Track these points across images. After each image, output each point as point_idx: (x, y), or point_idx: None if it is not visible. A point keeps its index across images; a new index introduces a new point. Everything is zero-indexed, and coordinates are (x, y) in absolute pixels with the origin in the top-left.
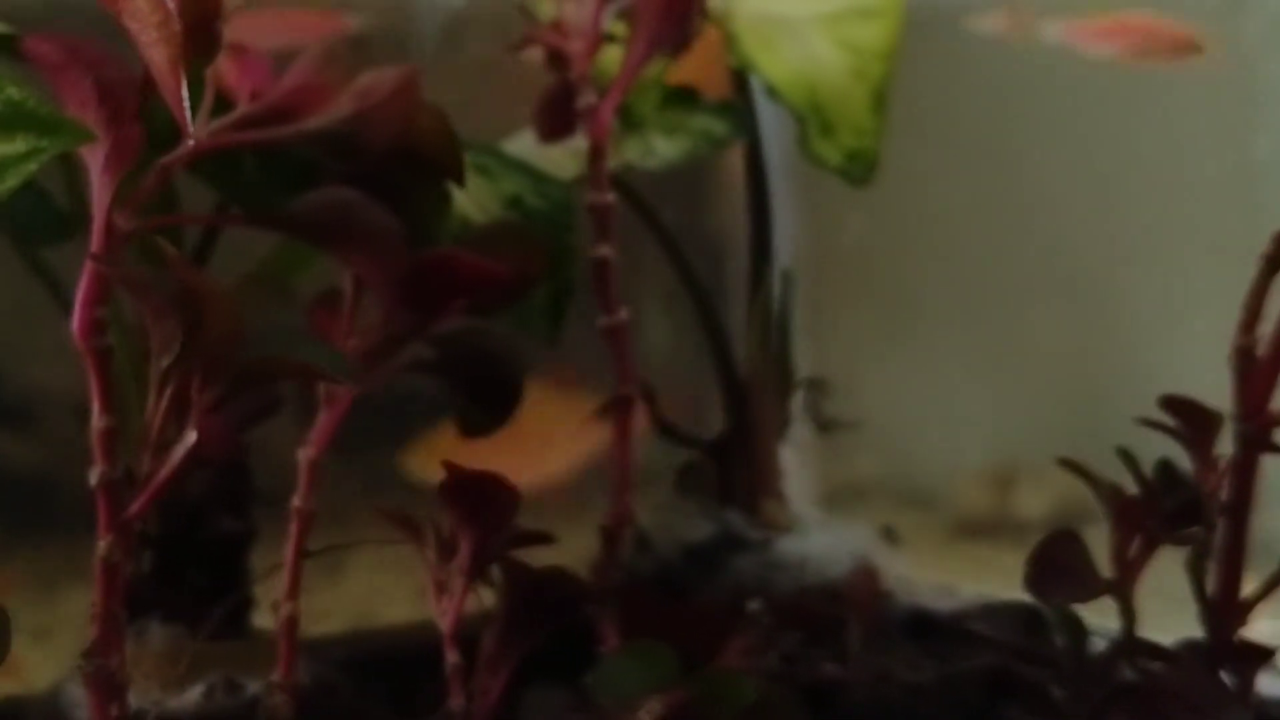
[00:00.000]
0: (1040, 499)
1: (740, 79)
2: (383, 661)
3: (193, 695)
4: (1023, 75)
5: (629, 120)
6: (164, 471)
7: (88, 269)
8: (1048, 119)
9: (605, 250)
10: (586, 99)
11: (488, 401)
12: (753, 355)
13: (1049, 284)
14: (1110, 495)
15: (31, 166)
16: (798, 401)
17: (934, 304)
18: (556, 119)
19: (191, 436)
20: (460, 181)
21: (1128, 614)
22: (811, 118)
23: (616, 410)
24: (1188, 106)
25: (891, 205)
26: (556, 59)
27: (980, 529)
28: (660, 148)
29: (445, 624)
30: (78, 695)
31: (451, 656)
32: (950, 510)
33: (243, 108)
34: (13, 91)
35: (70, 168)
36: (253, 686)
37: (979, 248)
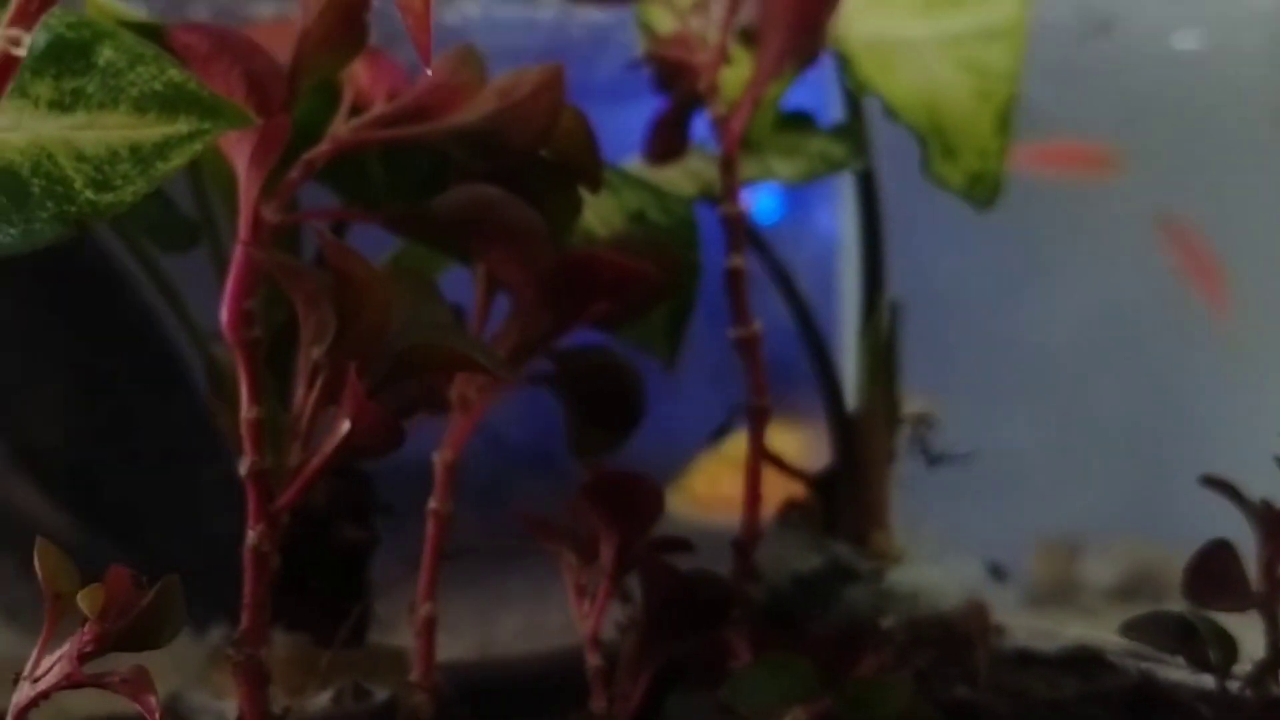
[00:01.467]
0: (1108, 569)
1: (854, 103)
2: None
3: (321, 701)
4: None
5: (746, 141)
6: (315, 462)
7: (237, 260)
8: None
9: (737, 261)
10: (716, 110)
11: (607, 419)
12: (864, 387)
13: (1113, 351)
14: (1261, 511)
15: (195, 147)
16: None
17: (1003, 363)
18: (669, 140)
19: (345, 427)
20: (595, 187)
21: (1274, 629)
22: (933, 140)
23: (750, 422)
24: (1249, 183)
25: (984, 252)
26: (679, 73)
27: (1047, 598)
28: (779, 169)
29: (586, 627)
30: (197, 702)
31: (593, 659)
32: (1015, 578)
33: (381, 106)
34: (174, 73)
35: (196, 174)
36: (380, 693)
37: (1045, 313)
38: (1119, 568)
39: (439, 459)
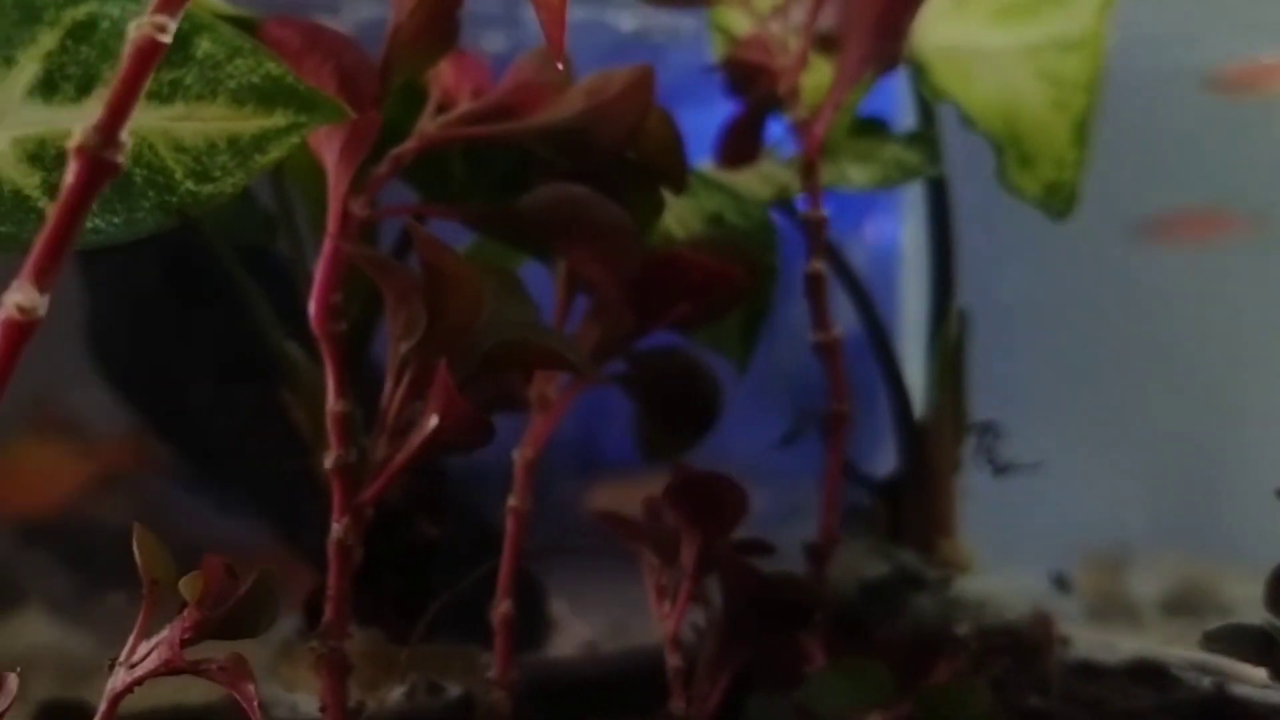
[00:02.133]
0: (1154, 583)
1: (926, 110)
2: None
3: (395, 696)
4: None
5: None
6: (401, 456)
7: (325, 254)
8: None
9: (818, 265)
10: (797, 114)
11: (681, 422)
12: (933, 394)
13: (1161, 365)
14: None
15: (293, 140)
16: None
17: (1051, 375)
18: (743, 144)
19: (433, 421)
20: (680, 189)
21: None
22: (1010, 149)
23: (829, 426)
24: None
25: (1046, 265)
26: (757, 76)
27: (1093, 612)
28: (853, 175)
29: (667, 628)
30: (267, 694)
31: (673, 660)
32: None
33: (467, 104)
34: (272, 66)
35: (277, 169)
36: (453, 690)
37: (1095, 328)
38: (1166, 582)
39: (519, 457)
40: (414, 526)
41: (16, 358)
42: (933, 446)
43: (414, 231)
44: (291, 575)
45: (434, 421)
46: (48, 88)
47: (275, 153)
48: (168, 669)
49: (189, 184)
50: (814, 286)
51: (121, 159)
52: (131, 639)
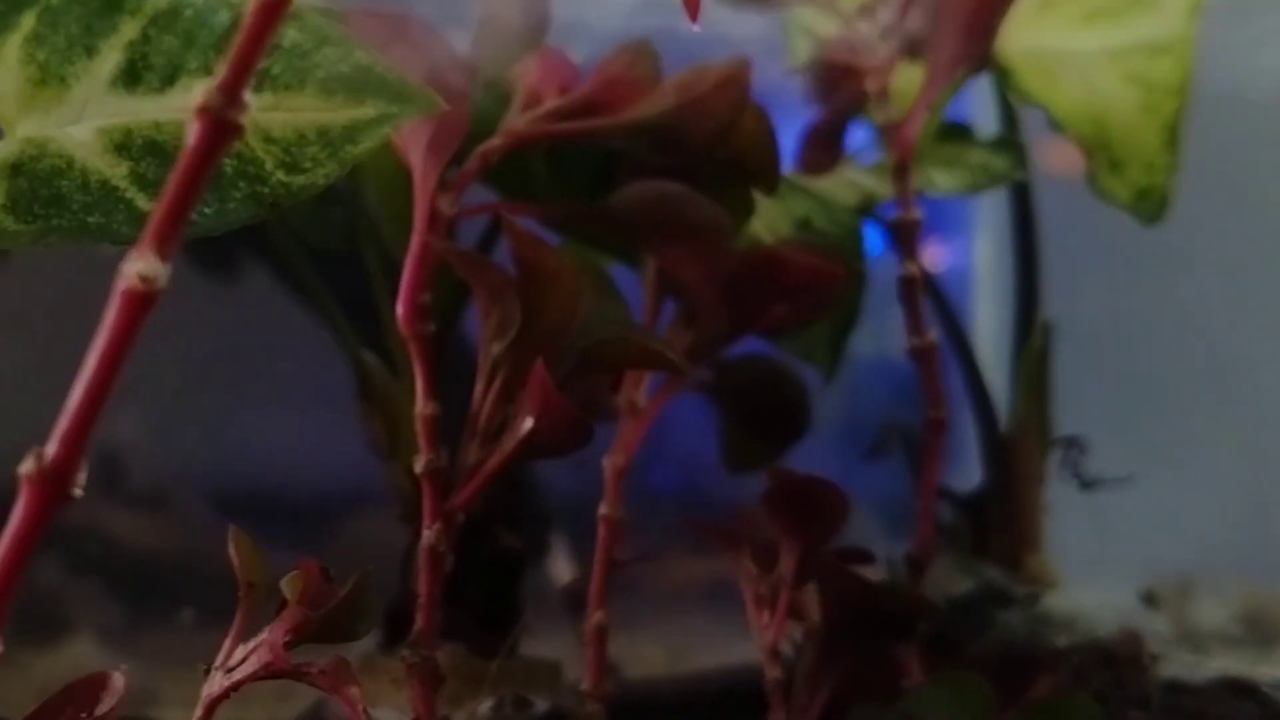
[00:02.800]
0: (1220, 610)
1: (1009, 114)
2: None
3: (482, 711)
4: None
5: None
6: (494, 460)
7: (413, 253)
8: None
9: (913, 269)
10: (888, 116)
11: (769, 431)
12: (1018, 407)
13: (1222, 393)
14: None
15: (384, 130)
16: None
17: (1129, 391)
18: (827, 149)
19: (527, 424)
20: (771, 189)
21: None
22: (1099, 153)
23: (928, 433)
24: None
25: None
26: (843, 78)
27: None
28: (939, 181)
29: (765, 639)
30: (337, 713)
31: (772, 671)
32: None
33: (555, 100)
34: (361, 56)
35: (354, 172)
36: (540, 703)
37: (1154, 356)
38: (1231, 609)
39: (609, 464)
40: (495, 537)
41: (137, 330)
42: (1018, 460)
43: (510, 227)
44: None
45: (529, 424)
46: (131, 77)
47: (366, 144)
48: (269, 672)
49: (280, 175)
50: (909, 291)
51: (245, 120)
52: (228, 643)
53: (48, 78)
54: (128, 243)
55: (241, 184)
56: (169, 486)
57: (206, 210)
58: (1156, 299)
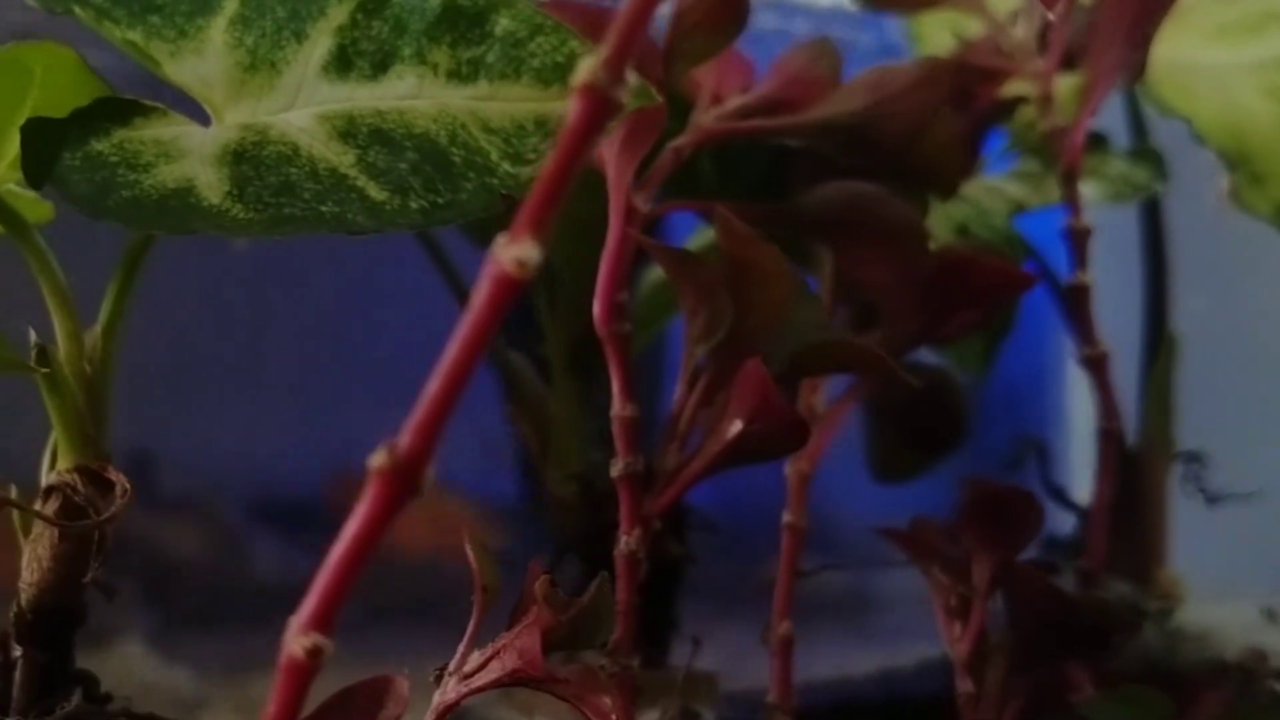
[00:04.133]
0: None
1: (1140, 125)
2: None
3: None
4: None
5: (1048, 161)
6: (698, 464)
7: (610, 251)
8: None
9: (1083, 278)
10: (1051, 122)
11: (925, 441)
12: (1148, 421)
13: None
14: None
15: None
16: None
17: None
18: (969, 155)
19: (736, 427)
20: (950, 194)
21: None
22: (1240, 167)
23: (1101, 445)
24: None
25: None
26: (989, 81)
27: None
28: (1083, 192)
29: (959, 650)
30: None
31: (964, 685)
32: None
33: (738, 98)
34: (575, 45)
35: None
36: (707, 715)
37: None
38: None
39: (793, 470)
40: (659, 545)
41: (502, 316)
42: (1146, 474)
43: (727, 224)
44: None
45: (737, 427)
46: (342, 64)
47: None
48: (513, 679)
49: (506, 166)
50: (1078, 299)
51: (626, 99)
52: (462, 648)
53: (258, 63)
54: (363, 232)
55: (471, 175)
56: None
57: (439, 200)
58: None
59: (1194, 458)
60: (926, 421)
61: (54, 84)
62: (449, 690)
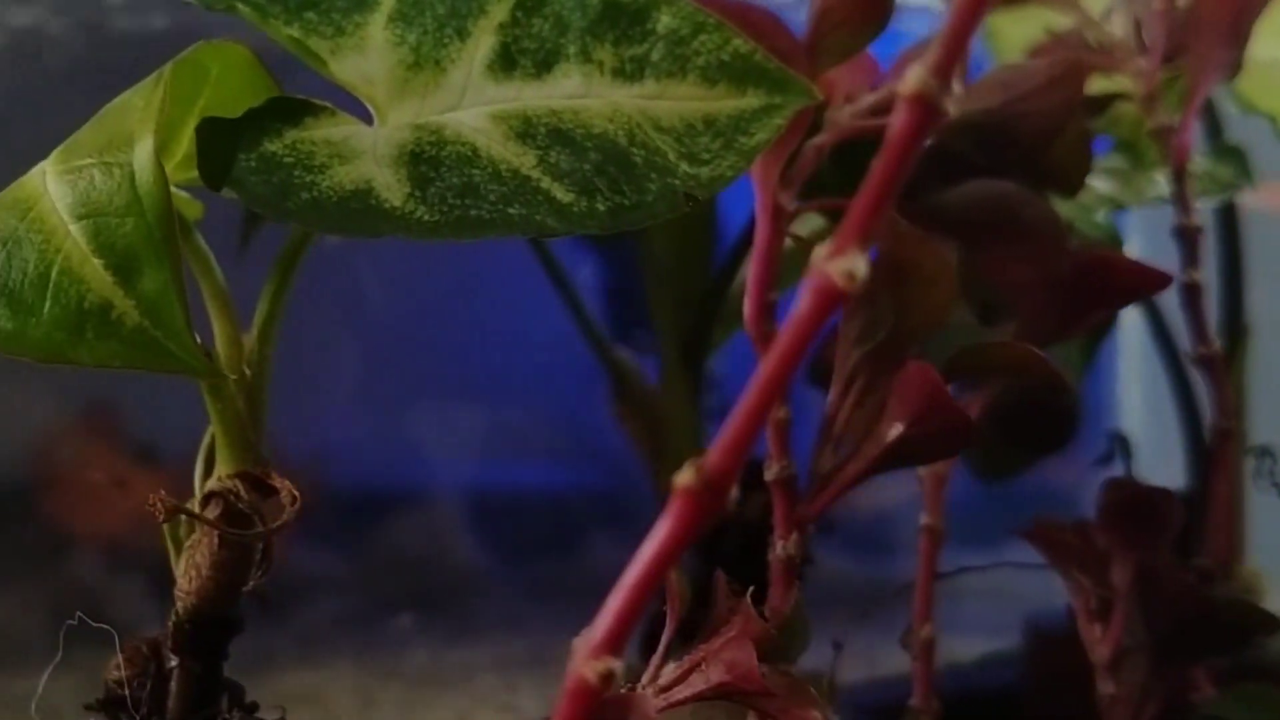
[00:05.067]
0: None
1: (1216, 122)
2: None
3: None
4: None
5: (1136, 158)
6: (854, 468)
7: (759, 250)
8: None
9: (1196, 275)
10: (1156, 120)
11: (1030, 439)
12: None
13: None
14: None
15: (775, 123)
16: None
17: None
18: (1089, 159)
19: (895, 430)
20: (1074, 194)
21: None
22: None
23: (1216, 442)
24: None
25: None
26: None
27: None
28: (1167, 188)
29: (1100, 652)
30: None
31: (1105, 687)
32: None
33: (870, 96)
34: (739, 43)
35: None
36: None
37: None
38: None
39: (929, 472)
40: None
41: (820, 328)
42: (1227, 469)
43: (892, 223)
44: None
45: (897, 430)
46: (506, 62)
47: (760, 135)
48: (723, 691)
49: (685, 166)
50: (1192, 297)
51: (951, 109)
52: (656, 660)
53: (422, 61)
54: (552, 235)
55: (654, 175)
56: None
57: (625, 201)
58: None
59: (1266, 452)
60: (1036, 421)
61: (228, 83)
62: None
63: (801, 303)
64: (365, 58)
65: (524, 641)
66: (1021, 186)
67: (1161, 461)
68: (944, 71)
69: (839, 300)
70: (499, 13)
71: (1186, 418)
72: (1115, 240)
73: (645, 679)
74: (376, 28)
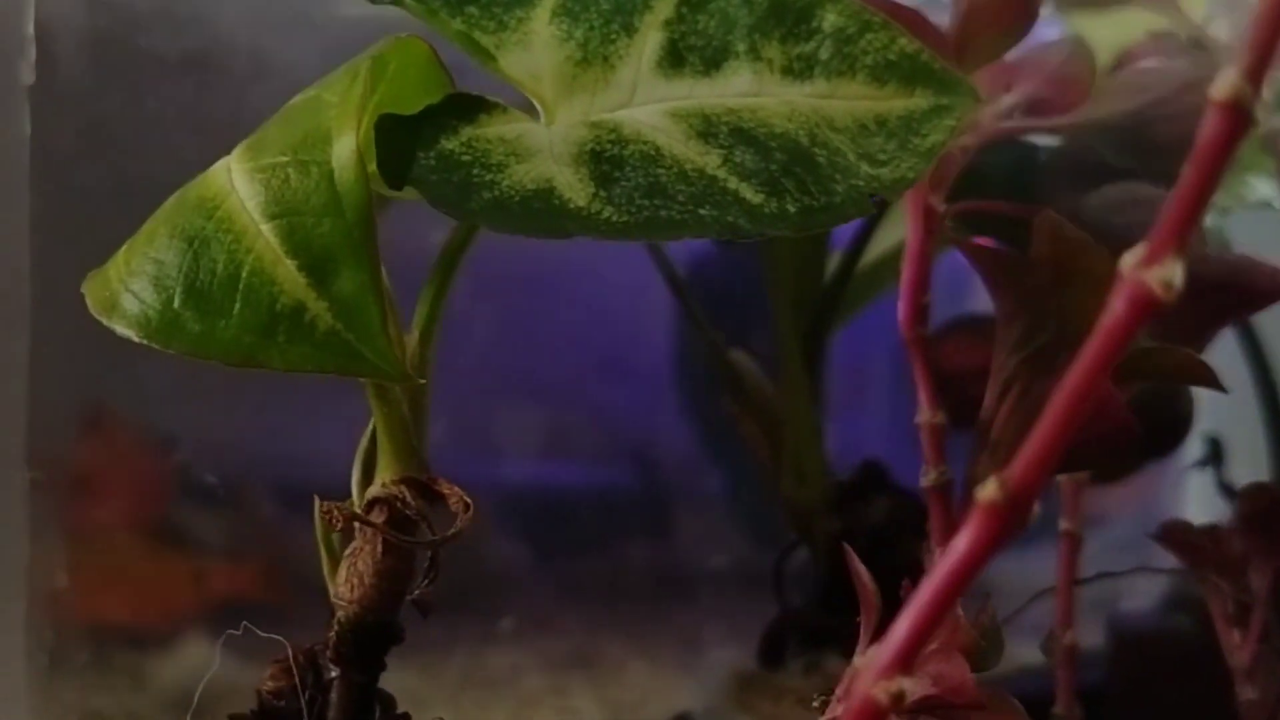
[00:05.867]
0: None
1: None
2: None
3: None
4: None
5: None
6: None
7: (912, 252)
8: None
9: None
10: (1270, 123)
11: (1146, 440)
12: None
13: None
14: None
15: (948, 123)
16: None
17: None
18: None
19: None
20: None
21: None
22: None
23: None
24: None
25: None
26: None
27: None
28: (1262, 191)
29: (1240, 658)
30: None
31: (1246, 692)
32: None
33: (1007, 97)
34: (905, 43)
35: None
36: None
37: None
38: None
39: (1066, 478)
40: (901, 548)
41: (1133, 338)
42: None
43: (1054, 227)
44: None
45: None
46: (675, 59)
47: (934, 136)
48: (928, 704)
49: (865, 167)
50: None
51: (1262, 115)
52: (849, 671)
53: (590, 57)
54: (744, 237)
55: (838, 176)
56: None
57: (814, 204)
58: None
59: None
60: (1154, 420)
61: (404, 78)
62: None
63: (1114, 311)
64: (531, 53)
65: (565, 643)
66: (1163, 189)
67: (1247, 463)
68: (1256, 76)
69: (1155, 309)
70: (664, 9)
71: (1271, 419)
72: (1225, 244)
73: (840, 690)
74: (540, 23)
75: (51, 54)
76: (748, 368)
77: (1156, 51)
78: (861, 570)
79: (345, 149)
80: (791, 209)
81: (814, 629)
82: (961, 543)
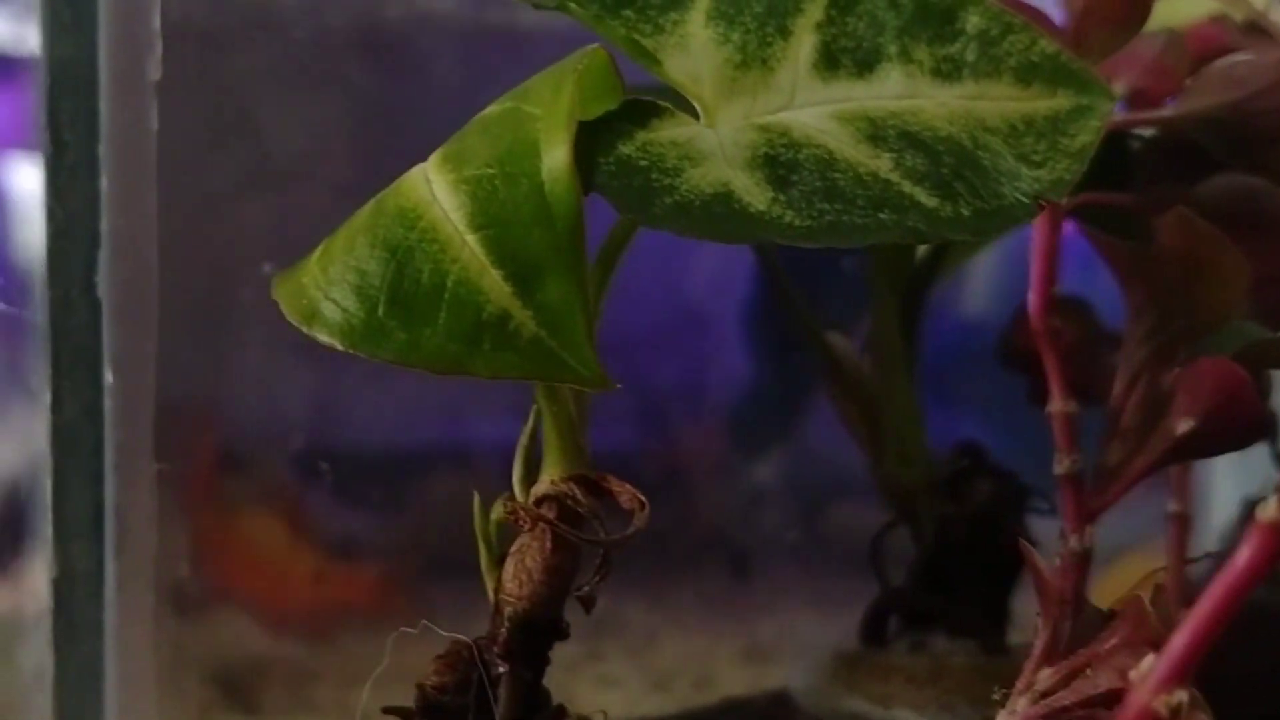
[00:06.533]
0: None
1: None
2: None
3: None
4: None
5: None
6: (1141, 461)
7: (1039, 244)
8: None
9: None
10: None
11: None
12: None
13: None
14: None
15: (1095, 123)
16: None
17: None
18: None
19: (1184, 425)
20: None
21: None
22: None
23: None
24: None
25: None
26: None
27: None
28: None
29: None
30: (853, 708)
31: None
32: None
33: (1117, 86)
34: (1045, 44)
35: None
36: None
37: None
38: None
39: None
40: (1001, 530)
41: None
42: None
43: (1186, 220)
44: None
45: (1188, 425)
46: (829, 62)
47: (1083, 136)
48: (1118, 699)
49: (1024, 169)
50: None
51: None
52: (1031, 663)
53: (749, 60)
54: (922, 241)
55: (1003, 179)
56: None
57: (986, 207)
58: None
59: None
60: None
61: (586, 85)
62: (1025, 711)
63: None
64: (689, 56)
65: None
66: (1266, 181)
67: None
68: None
69: None
70: (815, 11)
71: None
72: None
73: (1020, 684)
74: (696, 26)
75: (178, 50)
76: (845, 349)
77: (1219, 35)
78: (1041, 566)
79: (557, 161)
80: (966, 212)
81: (917, 609)
82: (1240, 559)
